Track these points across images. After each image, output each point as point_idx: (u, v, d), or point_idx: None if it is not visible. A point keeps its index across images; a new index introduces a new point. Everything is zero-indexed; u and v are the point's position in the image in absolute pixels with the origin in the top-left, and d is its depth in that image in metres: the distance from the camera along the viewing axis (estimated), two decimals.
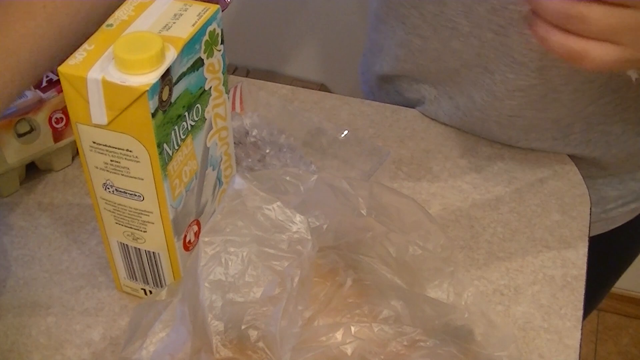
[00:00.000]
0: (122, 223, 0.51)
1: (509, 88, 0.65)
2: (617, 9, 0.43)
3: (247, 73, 1.68)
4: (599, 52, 0.44)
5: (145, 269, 0.54)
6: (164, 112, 0.46)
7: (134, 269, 0.55)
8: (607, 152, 0.72)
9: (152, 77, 0.44)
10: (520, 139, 0.70)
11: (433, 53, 0.69)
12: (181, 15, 0.48)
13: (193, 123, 0.50)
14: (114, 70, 0.44)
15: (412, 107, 0.76)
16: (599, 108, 0.67)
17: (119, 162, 0.47)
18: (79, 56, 0.45)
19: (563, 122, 0.68)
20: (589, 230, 0.63)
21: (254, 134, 0.68)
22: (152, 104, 0.44)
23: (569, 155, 0.71)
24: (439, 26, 0.66)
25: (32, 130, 0.64)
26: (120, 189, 0.49)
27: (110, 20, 0.48)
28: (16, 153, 0.64)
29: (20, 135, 0.63)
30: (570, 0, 0.43)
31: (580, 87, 0.65)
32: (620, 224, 0.80)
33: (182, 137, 0.49)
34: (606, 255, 0.84)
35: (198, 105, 0.50)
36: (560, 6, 0.43)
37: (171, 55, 0.45)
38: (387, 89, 0.80)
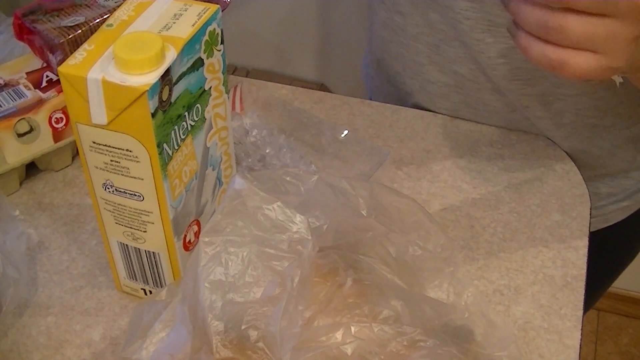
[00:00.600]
0: (122, 223, 0.51)
1: (490, 55, 0.66)
2: (593, 18, 0.44)
3: (247, 73, 1.68)
4: (578, 61, 0.45)
5: (145, 269, 0.54)
6: (164, 112, 0.46)
7: (134, 269, 0.55)
8: (590, 143, 0.72)
9: (152, 77, 0.44)
10: (516, 107, 0.71)
11: (414, 29, 0.70)
12: (181, 15, 0.48)
13: (193, 123, 0.50)
14: (114, 70, 0.44)
15: (410, 96, 0.77)
16: (592, 102, 0.68)
17: (119, 162, 0.47)
18: (79, 56, 0.45)
19: (549, 98, 0.69)
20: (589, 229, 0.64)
21: (254, 134, 0.68)
22: (152, 104, 0.44)
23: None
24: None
25: (32, 130, 0.64)
26: (120, 189, 0.49)
27: (110, 20, 0.48)
28: (16, 153, 0.64)
29: (20, 135, 0.63)
30: (549, 12, 0.44)
31: None
32: (614, 222, 0.81)
33: (182, 137, 0.49)
34: (604, 254, 0.84)
35: (198, 105, 0.50)
36: (539, 17, 0.45)
37: (171, 55, 0.45)
38: (382, 77, 0.80)
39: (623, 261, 0.90)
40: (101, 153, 0.47)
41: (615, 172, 0.76)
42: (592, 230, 0.79)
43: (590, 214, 0.65)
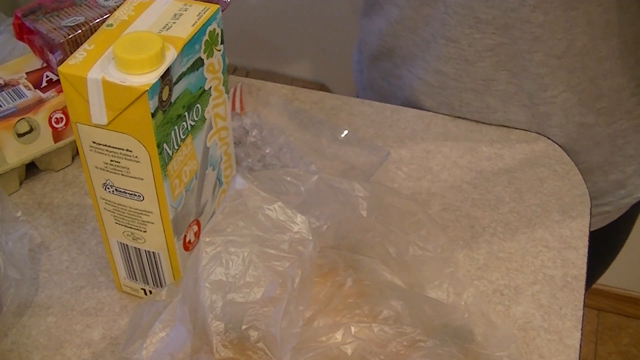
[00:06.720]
0: (122, 223, 0.51)
1: (478, 49, 0.68)
2: None
3: (247, 73, 1.68)
4: None
5: (145, 269, 0.54)
6: (164, 112, 0.46)
7: (134, 269, 0.55)
8: (577, 142, 0.73)
9: (152, 77, 0.44)
10: (498, 109, 0.72)
11: (409, 22, 0.72)
12: (181, 15, 0.48)
13: (193, 123, 0.50)
14: (114, 70, 0.44)
15: (400, 91, 0.77)
16: (575, 96, 0.68)
17: (119, 162, 0.47)
18: (79, 56, 0.45)
19: (537, 98, 0.70)
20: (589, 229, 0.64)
21: (254, 134, 0.68)
22: (152, 104, 0.44)
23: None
24: None
25: (32, 130, 0.64)
26: (120, 189, 0.49)
27: (110, 20, 0.48)
28: (16, 153, 0.64)
29: (20, 135, 0.63)
30: None
31: (548, 62, 0.67)
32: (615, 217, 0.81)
33: (182, 137, 0.49)
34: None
35: (198, 105, 0.50)
36: None
37: (171, 55, 0.45)
38: (375, 74, 0.81)
39: (600, 266, 0.90)
40: (101, 153, 0.47)
41: (595, 168, 0.76)
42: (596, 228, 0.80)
43: (591, 214, 0.65)
